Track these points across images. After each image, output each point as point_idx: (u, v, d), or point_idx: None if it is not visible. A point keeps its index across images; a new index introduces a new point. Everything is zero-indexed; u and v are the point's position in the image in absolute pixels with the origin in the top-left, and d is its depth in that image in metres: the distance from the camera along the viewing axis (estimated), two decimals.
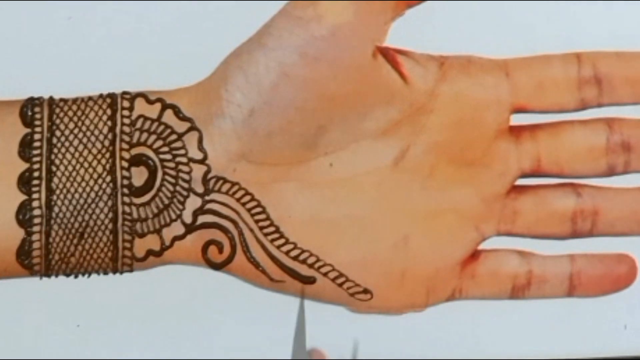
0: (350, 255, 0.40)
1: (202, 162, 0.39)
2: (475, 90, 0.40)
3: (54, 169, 0.39)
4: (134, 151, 0.39)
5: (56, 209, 0.39)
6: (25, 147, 0.39)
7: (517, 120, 0.41)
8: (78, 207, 0.39)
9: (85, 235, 0.39)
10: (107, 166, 0.39)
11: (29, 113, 0.39)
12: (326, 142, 0.40)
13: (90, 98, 0.40)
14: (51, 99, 0.40)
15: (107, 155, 0.39)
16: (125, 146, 0.39)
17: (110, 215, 0.39)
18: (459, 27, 0.41)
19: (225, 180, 0.39)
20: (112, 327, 0.43)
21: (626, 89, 0.41)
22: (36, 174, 0.39)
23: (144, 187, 0.39)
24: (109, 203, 0.39)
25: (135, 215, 0.39)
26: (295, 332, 0.39)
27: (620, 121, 0.41)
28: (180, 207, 0.39)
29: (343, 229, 0.40)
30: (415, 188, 0.40)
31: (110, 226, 0.39)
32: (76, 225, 0.39)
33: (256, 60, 0.39)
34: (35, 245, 0.39)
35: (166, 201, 0.39)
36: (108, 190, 0.39)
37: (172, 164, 0.39)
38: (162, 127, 0.39)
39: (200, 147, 0.39)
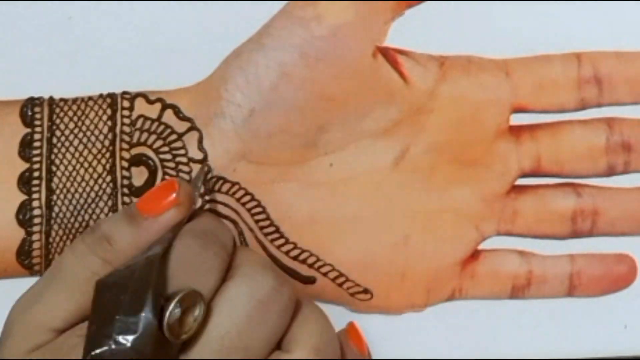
0: (350, 255, 0.40)
1: (202, 162, 0.39)
2: (475, 90, 0.40)
3: (54, 168, 0.39)
4: (134, 151, 0.39)
5: (56, 209, 0.39)
6: (25, 147, 0.39)
7: (517, 120, 0.41)
8: (78, 207, 0.39)
9: None
10: (107, 166, 0.39)
11: (29, 113, 0.39)
12: (326, 142, 0.40)
13: (90, 98, 0.40)
14: (51, 99, 0.40)
15: (107, 155, 0.39)
16: (125, 146, 0.39)
17: (110, 215, 0.39)
18: (459, 27, 0.41)
19: (225, 180, 0.39)
20: None
21: (626, 89, 0.41)
22: (36, 173, 0.39)
23: (144, 187, 0.39)
24: (109, 203, 0.39)
25: None
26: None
27: (620, 121, 0.41)
28: None
29: (343, 229, 0.40)
30: (415, 188, 0.40)
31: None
32: (76, 225, 0.39)
33: (256, 60, 0.39)
34: (35, 245, 0.39)
35: None
36: (108, 190, 0.39)
37: (172, 164, 0.39)
38: (162, 127, 0.39)
39: (200, 147, 0.39)
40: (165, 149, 0.39)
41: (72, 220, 0.39)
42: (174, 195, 0.35)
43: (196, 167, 0.39)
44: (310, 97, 0.39)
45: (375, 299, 0.40)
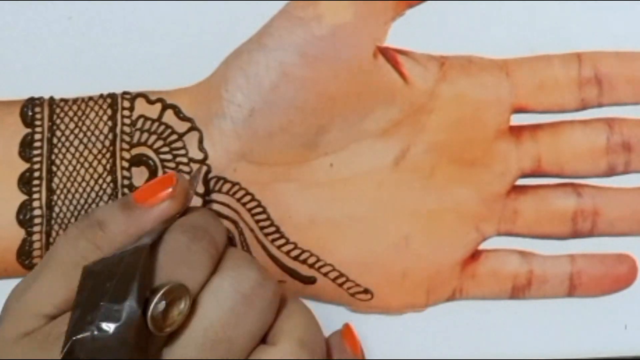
0: (350, 255, 0.40)
1: (202, 162, 0.39)
2: (475, 90, 0.40)
3: (54, 169, 0.39)
4: (135, 151, 0.39)
5: (57, 209, 0.39)
6: (25, 147, 0.39)
7: (517, 120, 0.41)
8: (78, 207, 0.39)
9: None
10: (108, 166, 0.39)
11: (30, 113, 0.39)
12: (326, 142, 0.40)
13: (90, 98, 0.40)
14: (51, 99, 0.40)
15: (108, 155, 0.39)
16: (125, 146, 0.39)
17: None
18: (459, 27, 0.41)
19: (225, 181, 0.39)
20: None
21: (626, 89, 0.41)
22: (37, 174, 0.39)
23: None
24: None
25: None
26: None
27: (621, 121, 0.41)
28: None
29: (343, 229, 0.40)
30: (415, 188, 0.40)
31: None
32: None
33: (256, 60, 0.39)
34: (36, 245, 0.39)
35: None
36: (108, 191, 0.39)
37: (172, 164, 0.39)
38: (162, 127, 0.39)
39: (201, 147, 0.39)
40: (166, 149, 0.39)
41: (72, 220, 0.39)
42: (170, 188, 0.35)
43: (196, 167, 0.39)
44: (310, 97, 0.39)
45: (375, 299, 0.40)
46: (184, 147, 0.39)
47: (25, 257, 0.39)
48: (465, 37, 0.41)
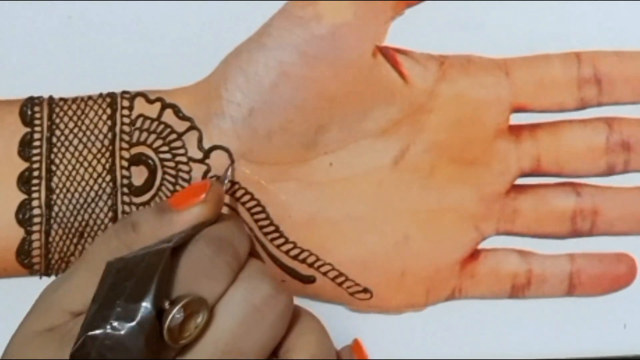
0: (350, 255, 0.40)
1: (201, 161, 0.39)
2: (475, 89, 0.40)
3: (53, 168, 0.39)
4: (134, 150, 0.39)
5: (56, 209, 0.39)
6: (25, 147, 0.39)
7: (517, 119, 0.41)
8: (78, 206, 0.39)
9: (85, 235, 0.39)
10: (107, 165, 0.39)
11: (29, 112, 0.40)
12: (326, 141, 0.40)
13: (90, 97, 0.40)
14: (51, 98, 0.40)
15: (107, 154, 0.39)
16: (125, 145, 0.39)
17: (110, 214, 0.39)
18: (459, 27, 0.41)
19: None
20: None
21: (626, 89, 0.41)
22: (36, 173, 0.39)
23: (143, 187, 0.39)
24: (109, 202, 0.39)
25: None
26: None
27: (620, 121, 0.41)
28: None
29: (343, 229, 0.40)
30: (415, 187, 0.40)
31: (110, 225, 0.39)
32: (76, 224, 0.39)
33: (256, 59, 0.39)
34: (35, 244, 0.39)
35: None
36: (108, 190, 0.39)
37: (171, 164, 0.39)
38: (161, 127, 0.39)
39: (200, 146, 0.39)
40: (165, 148, 0.39)
41: (71, 219, 0.39)
42: (203, 194, 0.35)
43: (196, 167, 0.39)
44: (310, 97, 0.39)
45: (374, 298, 0.40)
46: (183, 147, 0.39)
47: (24, 256, 0.39)
48: (465, 36, 0.41)
